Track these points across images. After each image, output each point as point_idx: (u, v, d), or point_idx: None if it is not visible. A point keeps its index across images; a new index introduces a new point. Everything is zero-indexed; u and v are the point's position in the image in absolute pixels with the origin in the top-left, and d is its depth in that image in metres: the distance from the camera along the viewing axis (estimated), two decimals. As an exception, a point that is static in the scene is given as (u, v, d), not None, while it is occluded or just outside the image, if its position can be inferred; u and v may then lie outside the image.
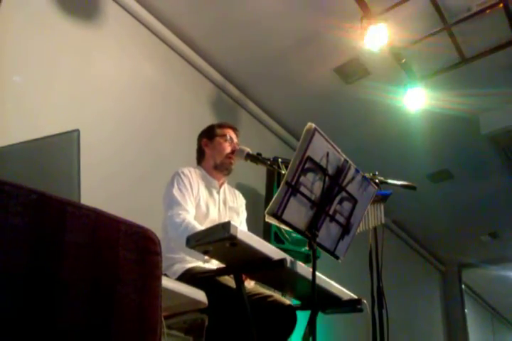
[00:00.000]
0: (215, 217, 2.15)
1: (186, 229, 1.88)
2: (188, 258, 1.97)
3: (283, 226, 1.58)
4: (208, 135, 2.35)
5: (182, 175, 2.12)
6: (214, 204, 2.19)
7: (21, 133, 2.14)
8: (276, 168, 2.01)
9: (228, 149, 2.27)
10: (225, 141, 2.29)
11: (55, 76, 2.50)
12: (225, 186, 2.33)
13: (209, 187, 2.23)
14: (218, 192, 2.25)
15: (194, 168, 2.28)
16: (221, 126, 2.37)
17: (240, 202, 2.36)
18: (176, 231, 1.91)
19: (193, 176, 2.16)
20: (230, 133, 2.33)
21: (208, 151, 2.32)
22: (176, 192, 2.05)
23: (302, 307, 1.95)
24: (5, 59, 2.28)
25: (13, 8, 2.31)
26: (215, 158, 2.28)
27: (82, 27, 2.68)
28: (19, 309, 0.69)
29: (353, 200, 1.76)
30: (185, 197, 2.05)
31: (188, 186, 2.10)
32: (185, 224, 1.91)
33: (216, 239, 1.46)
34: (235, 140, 2.34)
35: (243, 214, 2.35)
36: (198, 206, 2.11)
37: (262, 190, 3.54)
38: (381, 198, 2.41)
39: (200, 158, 2.35)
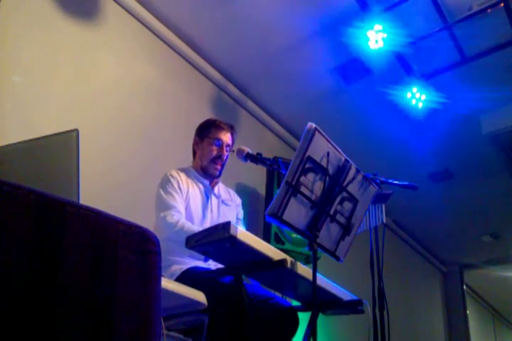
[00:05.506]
0: (207, 219, 2.13)
1: (182, 229, 1.89)
2: (186, 259, 1.96)
3: (283, 227, 1.58)
4: (200, 134, 2.29)
5: (171, 178, 2.10)
6: (206, 205, 2.16)
7: (20, 133, 2.14)
8: (276, 168, 2.00)
9: (214, 154, 2.21)
10: (213, 145, 2.21)
11: (55, 76, 2.49)
12: (219, 186, 2.29)
13: (200, 188, 2.20)
14: (210, 193, 2.22)
15: (185, 168, 2.25)
16: (216, 126, 2.26)
17: (236, 201, 2.32)
18: (172, 231, 1.91)
19: (182, 178, 2.14)
20: (222, 137, 2.23)
21: (198, 152, 2.29)
22: (166, 194, 2.05)
23: (303, 309, 1.94)
24: (4, 59, 2.27)
25: (12, 8, 2.31)
26: (202, 161, 2.24)
27: (82, 26, 2.68)
28: (19, 309, 0.68)
29: (354, 200, 1.75)
30: (176, 199, 2.04)
31: (177, 188, 2.08)
32: (181, 224, 1.91)
33: (216, 239, 1.46)
34: (227, 143, 2.24)
35: (240, 213, 2.32)
36: (188, 208, 2.09)
37: (262, 190, 3.53)
38: (382, 198, 2.41)
39: (193, 156, 2.33)
